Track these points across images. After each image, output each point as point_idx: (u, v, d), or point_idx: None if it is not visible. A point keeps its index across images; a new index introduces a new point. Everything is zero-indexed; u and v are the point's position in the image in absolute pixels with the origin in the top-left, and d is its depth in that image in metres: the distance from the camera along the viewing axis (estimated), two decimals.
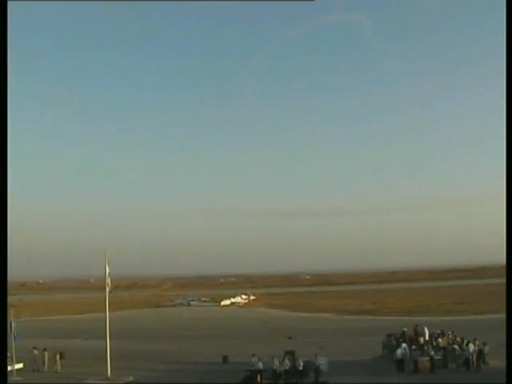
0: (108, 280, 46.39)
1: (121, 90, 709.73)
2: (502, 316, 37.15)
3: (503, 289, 38.14)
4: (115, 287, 49.68)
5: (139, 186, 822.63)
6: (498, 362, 43.41)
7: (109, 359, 45.40)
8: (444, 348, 48.22)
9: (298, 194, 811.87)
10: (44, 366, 49.79)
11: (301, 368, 44.63)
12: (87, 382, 44.57)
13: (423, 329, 54.13)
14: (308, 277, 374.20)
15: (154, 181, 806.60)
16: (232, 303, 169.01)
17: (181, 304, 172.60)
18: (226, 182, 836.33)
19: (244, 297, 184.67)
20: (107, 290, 46.69)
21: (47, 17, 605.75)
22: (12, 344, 46.68)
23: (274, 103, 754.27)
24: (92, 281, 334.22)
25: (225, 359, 53.38)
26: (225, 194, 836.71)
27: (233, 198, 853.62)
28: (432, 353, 46.71)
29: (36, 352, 51.02)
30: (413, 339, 52.17)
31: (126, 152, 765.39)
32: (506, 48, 31.19)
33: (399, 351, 47.38)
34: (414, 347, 48.48)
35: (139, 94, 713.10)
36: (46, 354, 50.40)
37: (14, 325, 47.83)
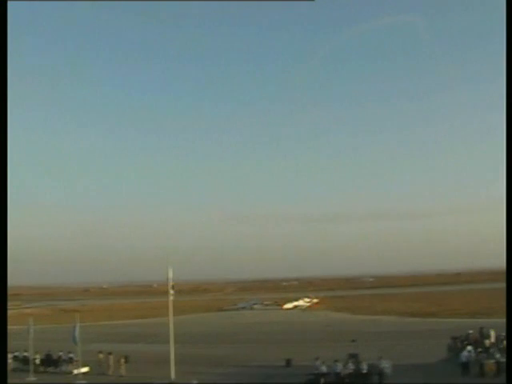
0: (171, 285, 46.91)
1: (149, 91, 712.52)
2: None
3: None
4: (178, 292, 50.06)
5: (204, 193, 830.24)
6: None
7: (172, 363, 45.88)
8: None
9: (359, 197, 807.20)
10: (109, 369, 50.45)
11: (364, 371, 44.47)
12: None
13: (489, 331, 53.28)
14: (371, 279, 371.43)
15: (217, 187, 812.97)
16: (295, 306, 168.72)
17: (243, 308, 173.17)
18: (285, 187, 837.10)
19: (307, 300, 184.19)
20: (170, 294, 47.19)
21: (52, 17, 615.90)
22: (78, 348, 47.68)
23: (324, 106, 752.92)
24: (155, 286, 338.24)
25: (288, 363, 53.36)
26: (286, 199, 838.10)
27: (295, 204, 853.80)
28: (498, 355, 45.90)
29: (101, 356, 51.87)
30: (478, 342, 51.40)
31: (188, 158, 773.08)
32: (506, 48, 30.96)
33: (464, 354, 46.70)
34: (479, 350, 47.71)
35: (174, 99, 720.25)
36: (111, 357, 51.14)
37: (77, 329, 48.77)
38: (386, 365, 45.17)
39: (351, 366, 45.22)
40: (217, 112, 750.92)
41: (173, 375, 45.52)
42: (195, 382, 44.90)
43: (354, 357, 47.49)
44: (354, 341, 69.13)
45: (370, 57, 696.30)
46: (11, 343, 61.24)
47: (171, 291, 47.18)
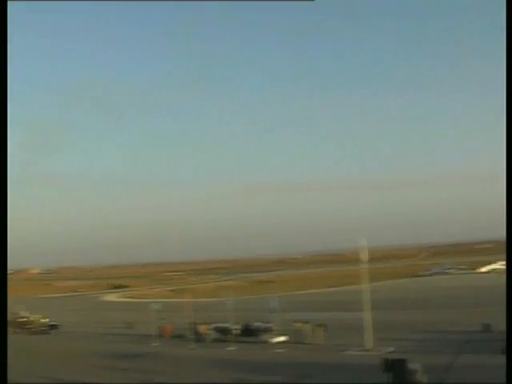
0: (363, 252, 46.99)
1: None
2: None
3: None
4: (370, 259, 50.04)
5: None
6: None
7: (369, 330, 46.13)
8: None
9: None
10: (306, 338, 51.40)
11: None
12: (348, 352, 45.33)
13: None
14: None
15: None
16: (491, 270, 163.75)
17: (438, 273, 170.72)
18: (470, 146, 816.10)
19: (503, 263, 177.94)
20: (363, 261, 47.17)
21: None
22: (275, 318, 49.09)
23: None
24: (347, 254, 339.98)
25: (486, 328, 51.95)
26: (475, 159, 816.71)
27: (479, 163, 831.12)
28: None
29: (298, 325, 52.84)
30: None
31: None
32: (505, 48, 28.31)
33: None
34: None
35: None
36: (308, 326, 51.97)
37: (275, 299, 50.12)
38: None
39: None
40: None
41: (369, 343, 45.85)
42: (391, 349, 44.79)
43: None
44: None
45: None
46: (210, 315, 64.60)
47: (364, 258, 47.26)
